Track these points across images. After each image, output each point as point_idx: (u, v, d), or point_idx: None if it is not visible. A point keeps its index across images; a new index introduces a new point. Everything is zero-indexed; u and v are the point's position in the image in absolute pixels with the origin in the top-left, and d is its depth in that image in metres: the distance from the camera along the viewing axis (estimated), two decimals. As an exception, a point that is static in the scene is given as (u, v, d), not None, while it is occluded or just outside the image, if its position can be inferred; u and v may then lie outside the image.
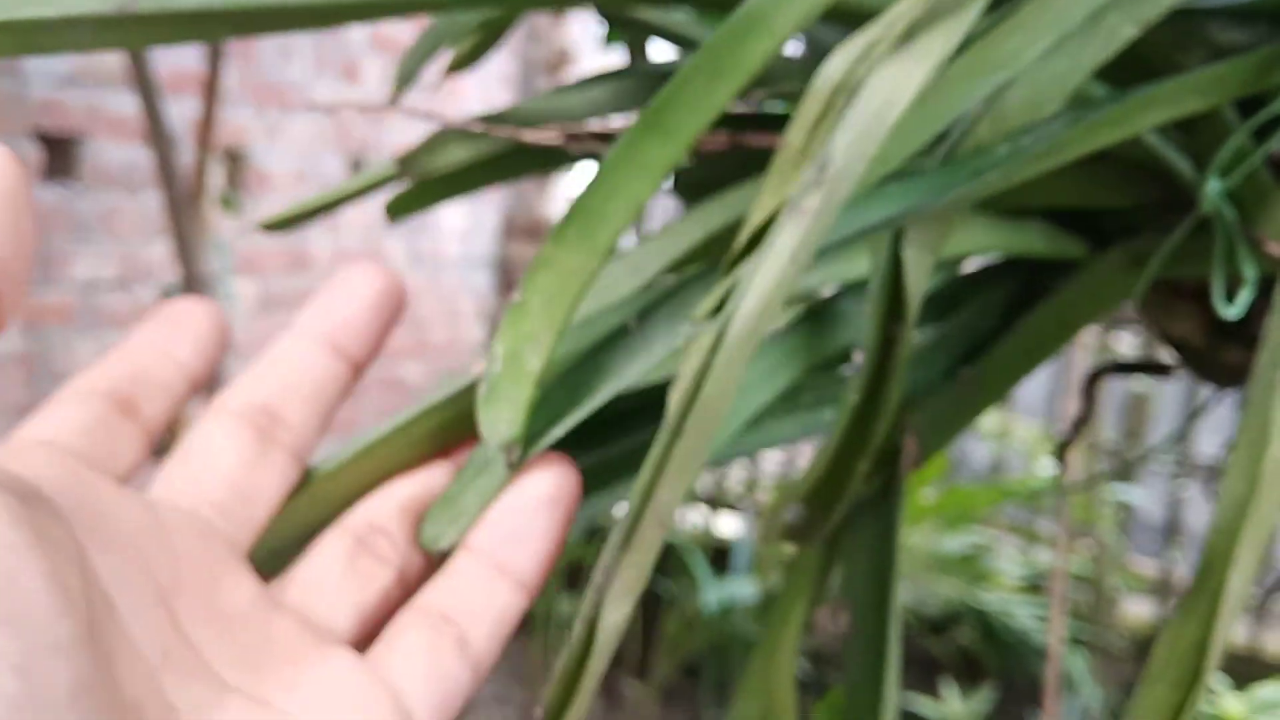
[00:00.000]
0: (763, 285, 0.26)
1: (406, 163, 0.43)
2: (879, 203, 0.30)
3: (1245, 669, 2.40)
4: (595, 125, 0.41)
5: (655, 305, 0.33)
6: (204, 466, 0.30)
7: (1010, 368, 0.39)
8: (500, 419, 0.29)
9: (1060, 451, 0.46)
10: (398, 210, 0.44)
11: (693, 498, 2.87)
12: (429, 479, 0.32)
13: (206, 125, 1.85)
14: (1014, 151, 0.30)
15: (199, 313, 0.32)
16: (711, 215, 0.36)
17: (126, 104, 2.09)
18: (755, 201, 0.30)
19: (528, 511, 0.30)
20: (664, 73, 0.46)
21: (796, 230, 0.26)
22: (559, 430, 0.31)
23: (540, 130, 0.38)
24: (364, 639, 0.29)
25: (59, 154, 2.30)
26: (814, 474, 0.35)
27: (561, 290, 0.30)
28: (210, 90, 1.82)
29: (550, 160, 0.44)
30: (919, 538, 2.60)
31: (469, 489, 0.30)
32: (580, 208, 0.31)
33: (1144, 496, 2.72)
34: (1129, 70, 0.33)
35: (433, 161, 0.42)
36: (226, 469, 0.29)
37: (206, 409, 0.31)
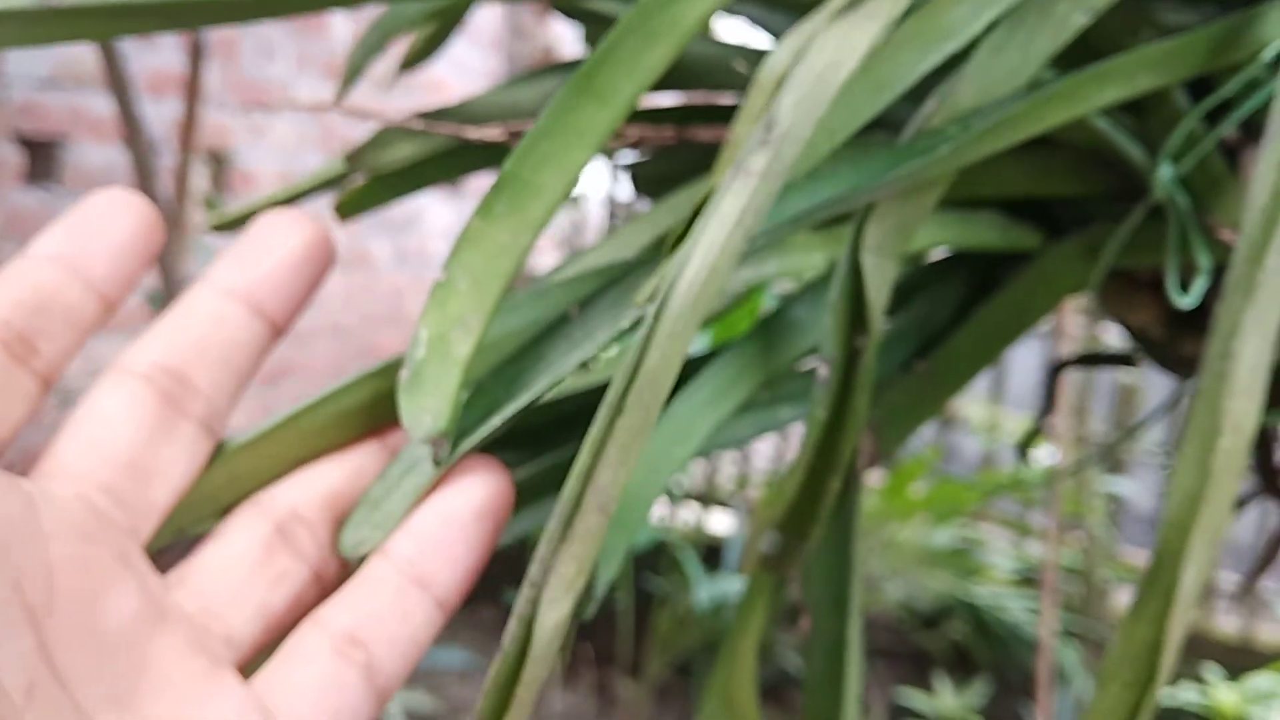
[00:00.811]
0: (708, 250, 0.25)
1: (354, 159, 0.42)
2: (828, 181, 0.29)
3: (1238, 660, 2.41)
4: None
5: (597, 292, 0.32)
6: (99, 439, 0.27)
7: (966, 360, 0.39)
8: (425, 409, 0.27)
9: (1024, 445, 0.46)
10: (348, 209, 0.44)
11: (683, 495, 2.86)
12: (358, 465, 0.29)
13: (188, 126, 1.84)
14: (963, 130, 0.29)
15: (119, 210, 0.29)
16: (660, 217, 0.35)
17: (107, 105, 2.08)
18: (704, 197, 0.29)
19: (454, 522, 0.28)
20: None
21: (743, 192, 0.25)
22: (494, 422, 0.28)
23: (484, 128, 0.37)
24: (266, 645, 0.27)
25: (40, 157, 2.29)
26: (785, 499, 0.33)
27: (490, 269, 0.28)
28: (191, 90, 1.81)
29: (502, 153, 0.43)
30: (909, 532, 2.60)
31: (394, 491, 0.28)
32: (508, 179, 0.29)
33: (1134, 488, 2.71)
34: (1079, 60, 0.32)
35: (379, 158, 0.41)
36: (125, 442, 0.27)
37: (104, 370, 0.28)
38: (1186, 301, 0.34)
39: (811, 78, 0.26)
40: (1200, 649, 2.47)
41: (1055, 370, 0.46)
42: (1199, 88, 0.34)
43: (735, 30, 0.55)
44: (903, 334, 0.39)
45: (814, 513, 0.33)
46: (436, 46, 0.48)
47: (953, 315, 0.39)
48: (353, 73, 0.45)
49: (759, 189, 0.25)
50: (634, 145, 0.37)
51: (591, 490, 0.25)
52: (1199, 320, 0.38)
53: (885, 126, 0.33)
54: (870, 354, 0.31)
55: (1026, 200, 0.38)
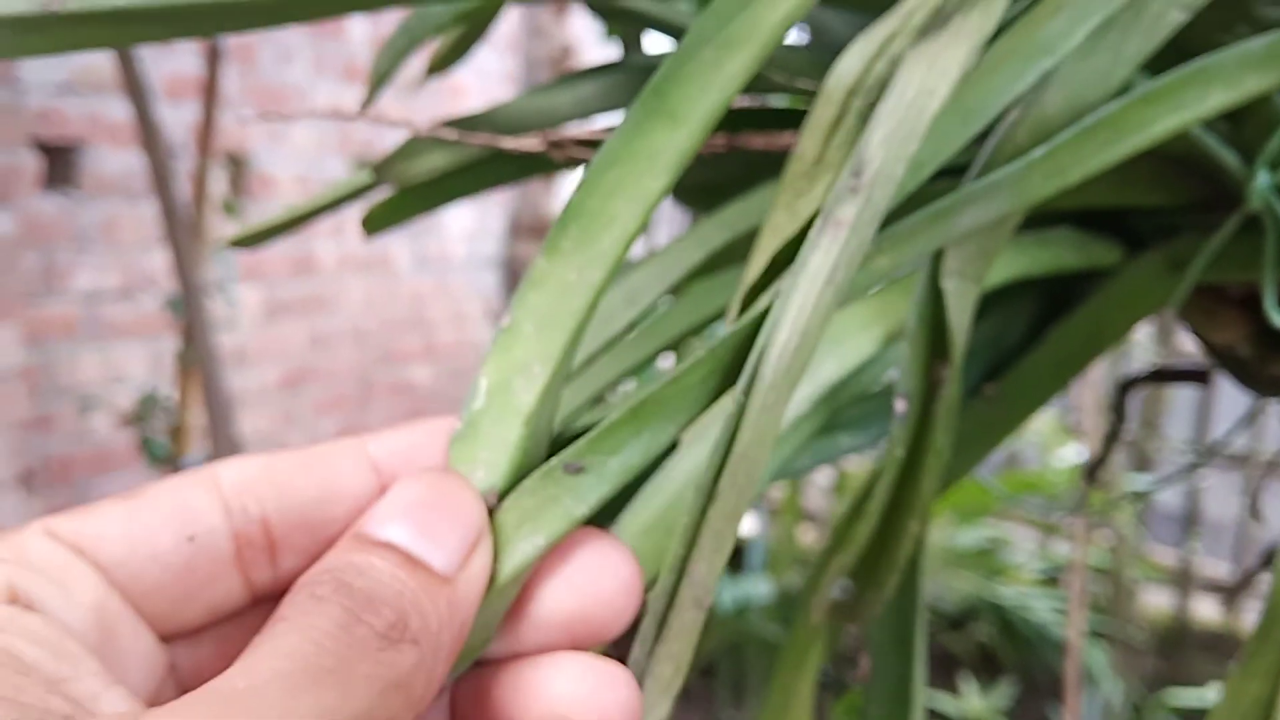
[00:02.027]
0: (798, 313, 0.22)
1: (382, 170, 0.39)
2: (920, 227, 0.26)
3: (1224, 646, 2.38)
4: (580, 129, 0.37)
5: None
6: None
7: (1040, 382, 0.36)
8: (478, 461, 0.25)
9: (1090, 472, 0.43)
10: (376, 223, 0.41)
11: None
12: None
13: (206, 130, 1.82)
14: (1052, 150, 0.26)
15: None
16: (713, 232, 0.32)
17: (125, 110, 2.06)
18: (767, 220, 0.26)
19: None
20: (657, 66, 0.43)
21: (834, 246, 0.22)
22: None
23: (520, 137, 0.34)
24: None
25: (58, 163, 2.28)
26: (858, 544, 0.30)
27: (558, 310, 0.25)
28: (209, 94, 1.79)
29: (537, 164, 0.40)
30: (934, 533, 2.58)
31: None
32: (575, 211, 0.26)
33: (1157, 484, 2.68)
34: (1173, 61, 0.29)
35: (409, 169, 0.39)
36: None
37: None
38: (1285, 321, 0.31)
39: (901, 110, 0.23)
40: (1228, 649, 2.44)
41: (1125, 387, 0.44)
42: (1301, 90, 0.32)
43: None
44: (972, 356, 0.36)
45: (891, 559, 0.30)
46: (464, 51, 0.46)
47: (1025, 335, 0.36)
48: (379, 79, 0.42)
49: (850, 241, 0.22)
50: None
51: (687, 584, 0.23)
52: (1295, 339, 0.35)
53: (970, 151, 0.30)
54: (953, 386, 0.28)
55: (1106, 211, 0.35)
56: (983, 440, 0.36)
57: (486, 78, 3.28)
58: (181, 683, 0.26)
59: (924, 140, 0.23)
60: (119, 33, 0.28)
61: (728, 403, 0.23)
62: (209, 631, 0.26)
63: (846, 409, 0.34)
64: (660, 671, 0.23)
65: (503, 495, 0.25)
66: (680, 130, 0.25)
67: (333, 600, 0.23)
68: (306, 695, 0.21)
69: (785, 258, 0.25)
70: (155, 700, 0.25)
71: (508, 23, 3.40)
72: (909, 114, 0.23)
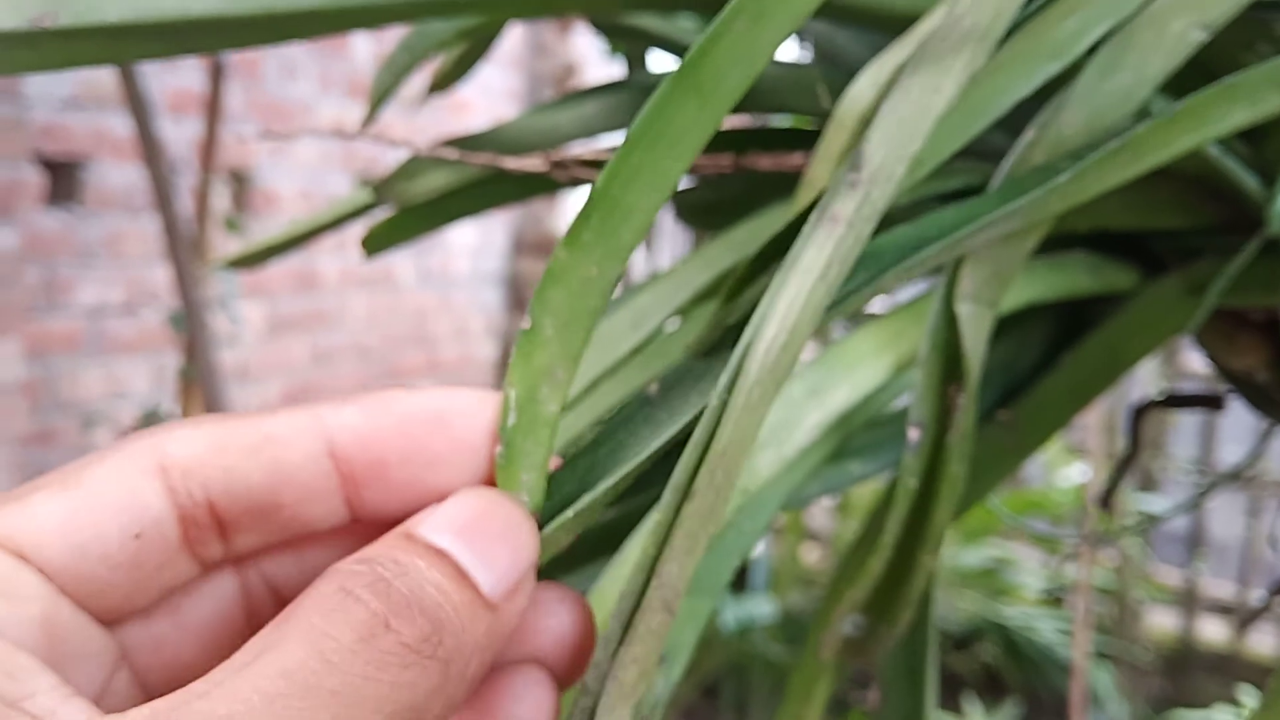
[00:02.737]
0: (788, 309, 0.22)
1: (382, 189, 0.39)
2: (924, 229, 0.25)
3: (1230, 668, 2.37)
4: (583, 149, 0.37)
5: (681, 373, 0.28)
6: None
7: (1055, 408, 0.35)
8: (520, 485, 0.24)
9: (1106, 498, 0.42)
10: (376, 244, 0.41)
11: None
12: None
13: (209, 146, 1.82)
14: (1075, 165, 0.25)
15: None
16: (720, 254, 0.32)
17: (128, 126, 2.06)
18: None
19: None
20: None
21: (829, 241, 0.22)
22: (567, 514, 0.25)
23: (522, 157, 0.34)
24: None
25: (62, 178, 2.28)
26: (870, 578, 0.29)
27: (578, 308, 0.24)
28: (212, 110, 1.79)
29: (540, 184, 0.40)
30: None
31: None
32: (599, 199, 0.24)
33: (1167, 506, 2.67)
34: (1192, 83, 0.29)
35: (410, 188, 0.38)
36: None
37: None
38: (1308, 348, 0.30)
39: (905, 107, 0.22)
40: (1234, 670, 2.43)
41: (1139, 412, 0.43)
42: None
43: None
44: (985, 381, 0.35)
45: (904, 594, 0.29)
46: (468, 68, 0.45)
47: (1039, 360, 0.35)
48: (380, 96, 0.42)
49: (846, 237, 0.22)
50: (688, 173, 0.33)
51: (655, 585, 0.22)
52: (1316, 366, 0.34)
53: (972, 154, 0.29)
54: (968, 414, 0.27)
55: (1123, 234, 0.34)
56: (996, 467, 0.35)
57: (491, 94, 3.28)
58: (136, 665, 0.25)
59: (928, 136, 0.22)
60: (113, 49, 0.28)
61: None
62: (161, 606, 0.25)
63: (857, 436, 0.33)
64: (623, 676, 0.22)
65: (538, 512, 0.24)
66: (707, 109, 0.24)
67: (364, 600, 0.21)
68: None
69: (776, 250, 0.24)
70: (110, 694, 0.24)
71: (512, 40, 3.41)
72: (913, 112, 0.22)
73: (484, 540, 0.23)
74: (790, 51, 0.46)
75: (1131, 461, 0.43)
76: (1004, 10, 0.23)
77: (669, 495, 0.22)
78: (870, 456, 0.33)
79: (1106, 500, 0.43)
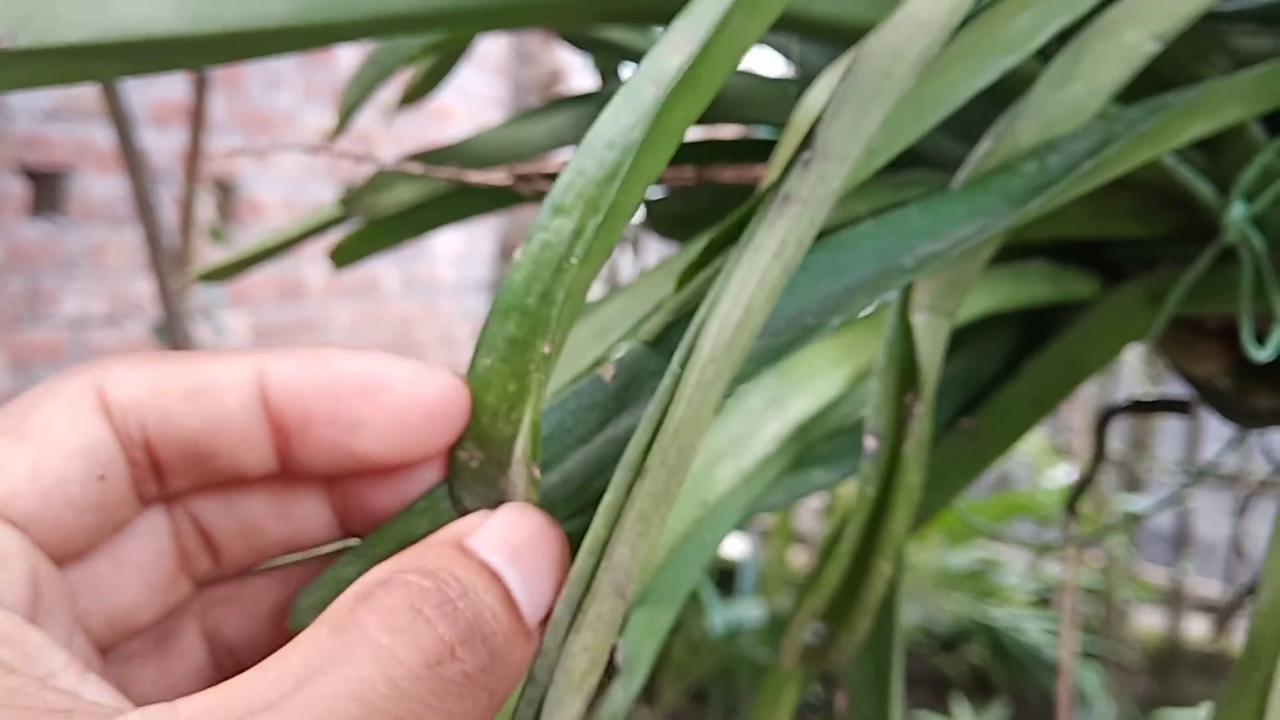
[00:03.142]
0: (741, 286, 0.21)
1: (350, 203, 0.39)
2: (900, 232, 0.25)
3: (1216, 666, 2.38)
4: (548, 163, 0.37)
5: (633, 360, 0.27)
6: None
7: (1017, 416, 0.35)
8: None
9: (1072, 500, 0.43)
10: (345, 256, 0.41)
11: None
12: None
13: (193, 156, 1.82)
14: (1043, 171, 0.26)
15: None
16: (683, 266, 0.32)
17: (111, 137, 2.06)
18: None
19: None
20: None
21: (783, 221, 0.21)
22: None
23: (488, 171, 0.34)
24: None
25: (45, 189, 2.27)
26: (829, 584, 0.29)
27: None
28: (196, 120, 1.78)
29: (508, 197, 0.40)
30: (926, 555, 2.57)
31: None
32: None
33: (1151, 505, 2.68)
34: (1145, 90, 0.29)
35: (378, 202, 0.38)
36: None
37: None
38: (1263, 355, 0.30)
39: (858, 91, 0.22)
40: (1220, 669, 2.44)
41: (1106, 417, 0.43)
42: (1275, 121, 0.31)
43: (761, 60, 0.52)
44: (947, 389, 0.35)
45: (863, 601, 0.29)
46: (438, 81, 0.45)
47: (1000, 369, 0.36)
48: (348, 110, 0.42)
49: (801, 216, 0.21)
50: (655, 183, 0.34)
51: (606, 568, 0.21)
52: (1274, 371, 0.35)
53: (928, 163, 0.30)
54: (924, 424, 0.27)
55: (1082, 243, 0.34)
56: (959, 475, 0.35)
57: (475, 102, 3.28)
58: (80, 607, 0.24)
59: (880, 129, 0.22)
60: (74, 70, 0.28)
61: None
62: (102, 547, 0.25)
63: (819, 444, 0.33)
64: (573, 666, 0.21)
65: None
66: (697, 103, 0.23)
67: (433, 623, 0.21)
68: None
69: (730, 237, 0.24)
70: (74, 648, 0.23)
71: (496, 47, 3.40)
72: (866, 95, 0.22)
73: (532, 566, 0.23)
74: (771, 66, 0.46)
75: (1101, 464, 0.43)
76: (959, 4, 0.24)
77: (620, 475, 0.21)
78: (833, 464, 0.33)
79: (1073, 505, 0.43)
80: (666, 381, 0.22)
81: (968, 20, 0.26)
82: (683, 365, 0.21)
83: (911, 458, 0.28)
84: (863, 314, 0.28)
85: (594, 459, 0.24)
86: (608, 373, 0.24)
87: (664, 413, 0.21)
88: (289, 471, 0.25)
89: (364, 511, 0.26)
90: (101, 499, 0.24)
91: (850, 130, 0.22)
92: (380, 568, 0.22)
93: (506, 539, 0.23)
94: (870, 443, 0.28)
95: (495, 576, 0.22)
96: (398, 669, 0.20)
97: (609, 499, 0.21)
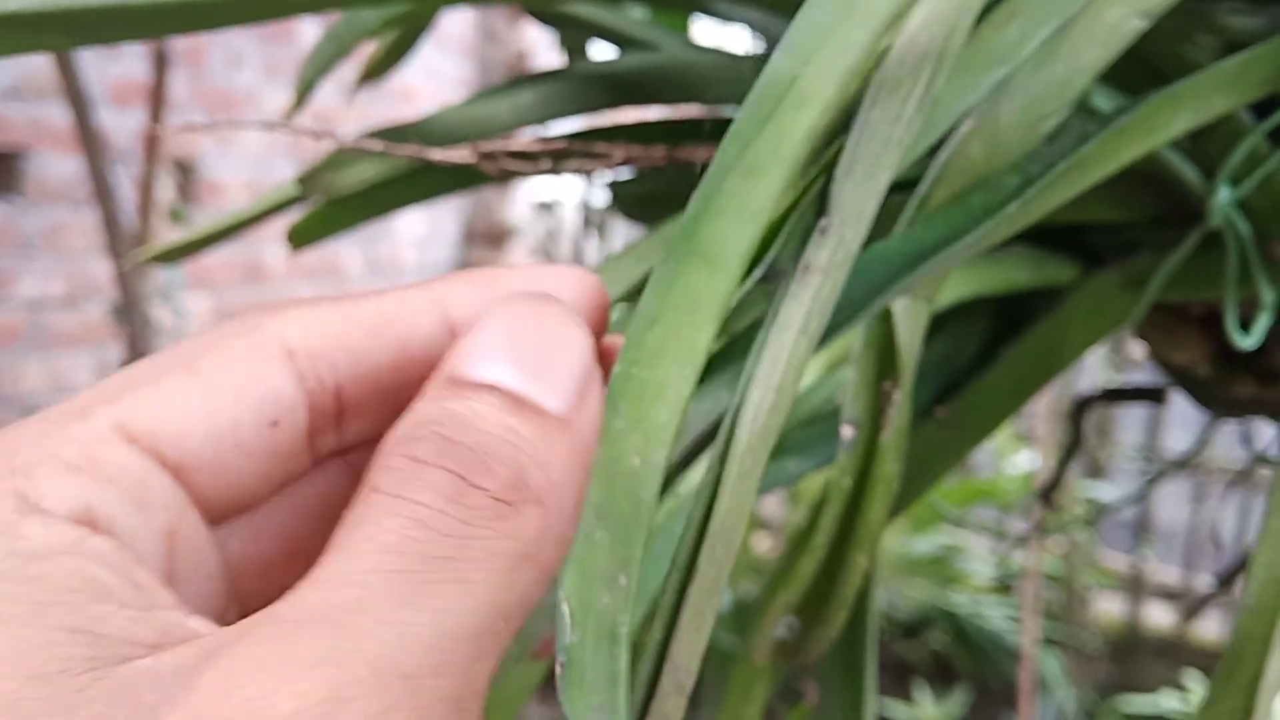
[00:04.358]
0: (771, 368, 0.21)
1: (308, 182, 0.38)
2: (882, 262, 0.24)
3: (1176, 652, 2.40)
4: (514, 140, 0.36)
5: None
6: None
7: (994, 404, 0.34)
8: (592, 708, 0.22)
9: (1045, 494, 0.42)
10: (301, 238, 0.39)
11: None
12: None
13: (153, 136, 1.79)
14: (1025, 183, 0.25)
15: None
16: (651, 250, 0.31)
17: (69, 116, 2.03)
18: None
19: None
20: (600, 74, 0.42)
21: (806, 292, 0.21)
22: None
23: (450, 149, 0.33)
24: None
25: (1, 169, 2.24)
26: (803, 578, 0.29)
27: (629, 504, 0.21)
28: (156, 99, 1.76)
29: (472, 176, 0.39)
30: (888, 540, 2.58)
31: None
32: (621, 383, 0.22)
33: (1114, 493, 2.70)
34: (1131, 70, 0.28)
35: (337, 180, 0.37)
36: None
37: None
38: (1248, 342, 0.30)
39: (870, 143, 0.21)
40: (1180, 655, 2.46)
41: (1080, 407, 0.42)
42: (1261, 103, 0.30)
43: (717, 34, 0.51)
44: (923, 377, 0.34)
45: (839, 595, 0.28)
46: (400, 56, 0.44)
47: (977, 355, 0.35)
48: (305, 88, 0.41)
49: (823, 286, 0.21)
50: (621, 164, 0.33)
51: (669, 670, 0.21)
52: (1255, 361, 0.34)
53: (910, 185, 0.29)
54: (902, 411, 0.27)
55: (1062, 227, 0.34)
56: (935, 464, 0.35)
57: (441, 81, 3.26)
58: (230, 568, 0.23)
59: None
60: (16, 40, 0.26)
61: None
62: (269, 502, 0.23)
63: (793, 432, 0.33)
64: None
65: None
66: (718, 273, 0.22)
67: (435, 464, 0.20)
68: (423, 600, 0.18)
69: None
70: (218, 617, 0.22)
71: (461, 26, 3.38)
72: (878, 146, 0.21)
73: (532, 354, 0.21)
74: (742, 42, 0.45)
75: (1073, 456, 0.42)
76: (960, 26, 0.23)
77: (673, 576, 0.21)
78: (808, 452, 0.33)
79: (1048, 496, 0.43)
80: (707, 478, 0.21)
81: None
82: (722, 460, 0.21)
83: (889, 447, 0.27)
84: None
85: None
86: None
87: (709, 509, 0.21)
88: None
89: None
90: (272, 447, 0.22)
91: (865, 188, 0.22)
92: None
93: (489, 344, 0.21)
94: (847, 431, 0.27)
95: (491, 389, 0.21)
96: (420, 511, 0.19)
97: (665, 603, 0.21)
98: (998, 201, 0.25)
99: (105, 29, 0.27)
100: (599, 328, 0.23)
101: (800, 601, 0.29)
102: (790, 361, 0.21)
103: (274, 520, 0.24)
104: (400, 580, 0.18)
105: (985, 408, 0.35)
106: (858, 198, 0.21)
